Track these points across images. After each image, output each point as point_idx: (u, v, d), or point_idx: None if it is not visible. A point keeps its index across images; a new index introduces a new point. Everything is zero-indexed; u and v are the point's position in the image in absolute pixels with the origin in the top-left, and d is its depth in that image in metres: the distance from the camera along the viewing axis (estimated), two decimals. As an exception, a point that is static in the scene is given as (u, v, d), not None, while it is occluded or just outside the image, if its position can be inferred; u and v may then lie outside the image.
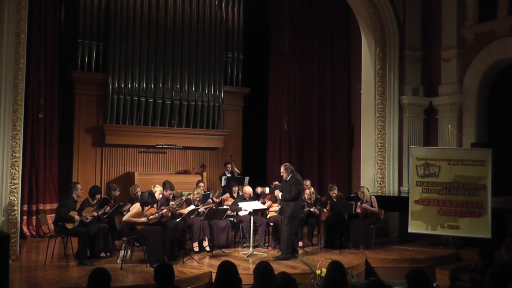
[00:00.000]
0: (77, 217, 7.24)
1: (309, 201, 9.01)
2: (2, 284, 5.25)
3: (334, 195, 9.12)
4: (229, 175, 10.96)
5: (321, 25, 12.43)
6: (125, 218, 7.21)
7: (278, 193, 8.18)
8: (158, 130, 11.47)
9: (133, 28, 11.29)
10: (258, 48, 13.49)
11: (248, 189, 9.03)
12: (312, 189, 9.26)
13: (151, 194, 7.59)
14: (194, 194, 8.50)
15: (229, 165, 11.17)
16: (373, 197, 8.97)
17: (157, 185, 7.87)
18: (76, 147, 10.83)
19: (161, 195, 7.78)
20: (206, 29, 12.09)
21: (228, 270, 3.95)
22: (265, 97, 12.90)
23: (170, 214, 7.67)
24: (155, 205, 7.56)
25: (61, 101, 10.76)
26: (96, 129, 11.02)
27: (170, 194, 8.12)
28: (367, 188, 9.16)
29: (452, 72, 10.21)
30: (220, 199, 8.78)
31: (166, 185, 8.16)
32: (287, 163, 8.11)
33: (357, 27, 10.97)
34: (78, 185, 7.72)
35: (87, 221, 7.32)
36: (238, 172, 11.47)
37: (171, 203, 7.80)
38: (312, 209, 8.86)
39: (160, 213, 7.33)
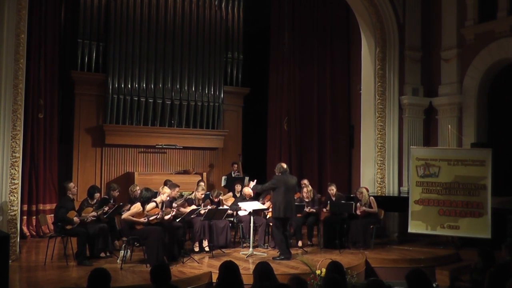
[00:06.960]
0: (76, 219, 7.19)
1: (307, 200, 9.03)
2: (2, 284, 5.24)
3: (332, 192, 9.10)
4: (235, 174, 10.95)
5: (321, 25, 12.43)
6: (124, 215, 7.19)
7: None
8: (158, 130, 11.47)
9: (133, 28, 11.29)
10: (258, 48, 13.48)
11: (248, 191, 8.97)
12: (310, 187, 9.26)
13: (148, 189, 7.53)
14: (199, 191, 8.53)
15: (236, 165, 11.15)
16: (372, 198, 8.92)
17: (165, 187, 7.75)
18: (76, 147, 10.84)
19: (168, 197, 7.68)
20: (206, 29, 12.08)
21: (230, 270, 3.94)
22: (265, 97, 12.89)
23: (172, 218, 7.65)
24: (159, 205, 7.52)
25: (61, 101, 10.77)
26: (96, 129, 11.03)
27: (177, 193, 8.06)
28: (366, 189, 9.14)
29: (452, 72, 10.20)
30: (218, 199, 8.77)
31: (168, 184, 8.12)
32: (281, 163, 8.07)
33: (357, 27, 10.96)
34: (71, 184, 7.73)
35: (87, 220, 7.30)
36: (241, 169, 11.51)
37: (174, 204, 7.78)
38: (307, 209, 8.88)
39: (161, 214, 7.31)
